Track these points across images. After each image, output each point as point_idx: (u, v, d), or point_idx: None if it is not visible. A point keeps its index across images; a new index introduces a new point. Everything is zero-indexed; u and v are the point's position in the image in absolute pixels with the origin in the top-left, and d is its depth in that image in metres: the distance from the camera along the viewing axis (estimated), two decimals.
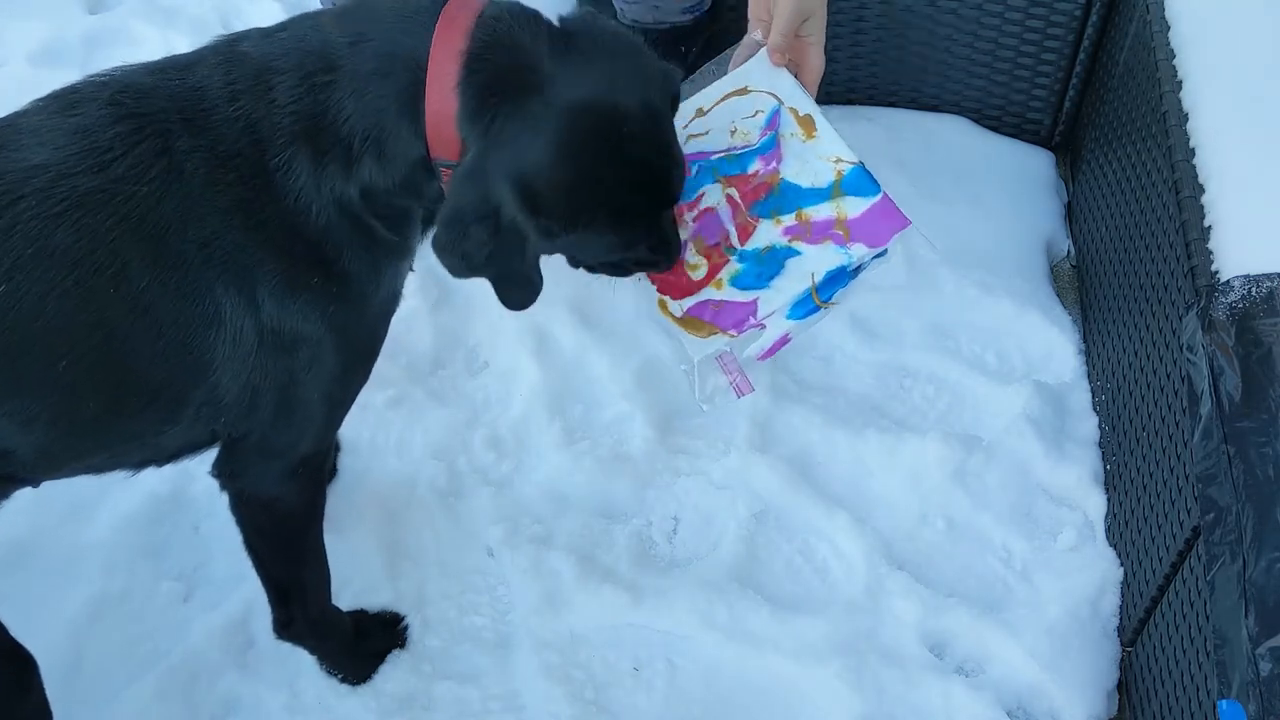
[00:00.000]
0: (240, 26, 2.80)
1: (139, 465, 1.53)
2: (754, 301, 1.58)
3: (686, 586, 1.90)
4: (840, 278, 1.57)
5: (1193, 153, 1.67)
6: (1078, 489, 2.02)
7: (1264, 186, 1.60)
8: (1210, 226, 1.59)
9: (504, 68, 1.33)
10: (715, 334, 1.60)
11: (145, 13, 2.80)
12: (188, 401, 1.41)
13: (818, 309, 1.58)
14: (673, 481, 2.04)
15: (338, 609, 1.79)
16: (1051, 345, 2.22)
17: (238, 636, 1.85)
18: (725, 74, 1.68)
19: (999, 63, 2.42)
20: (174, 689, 1.80)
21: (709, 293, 1.61)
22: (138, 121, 1.31)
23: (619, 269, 1.56)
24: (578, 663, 1.84)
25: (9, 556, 1.90)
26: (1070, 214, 2.44)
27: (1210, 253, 1.57)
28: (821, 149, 1.59)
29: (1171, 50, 1.82)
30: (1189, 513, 1.57)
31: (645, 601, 1.88)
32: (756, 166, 1.61)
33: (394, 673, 1.83)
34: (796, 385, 2.16)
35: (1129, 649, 1.83)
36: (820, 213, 1.57)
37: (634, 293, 2.22)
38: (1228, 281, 1.49)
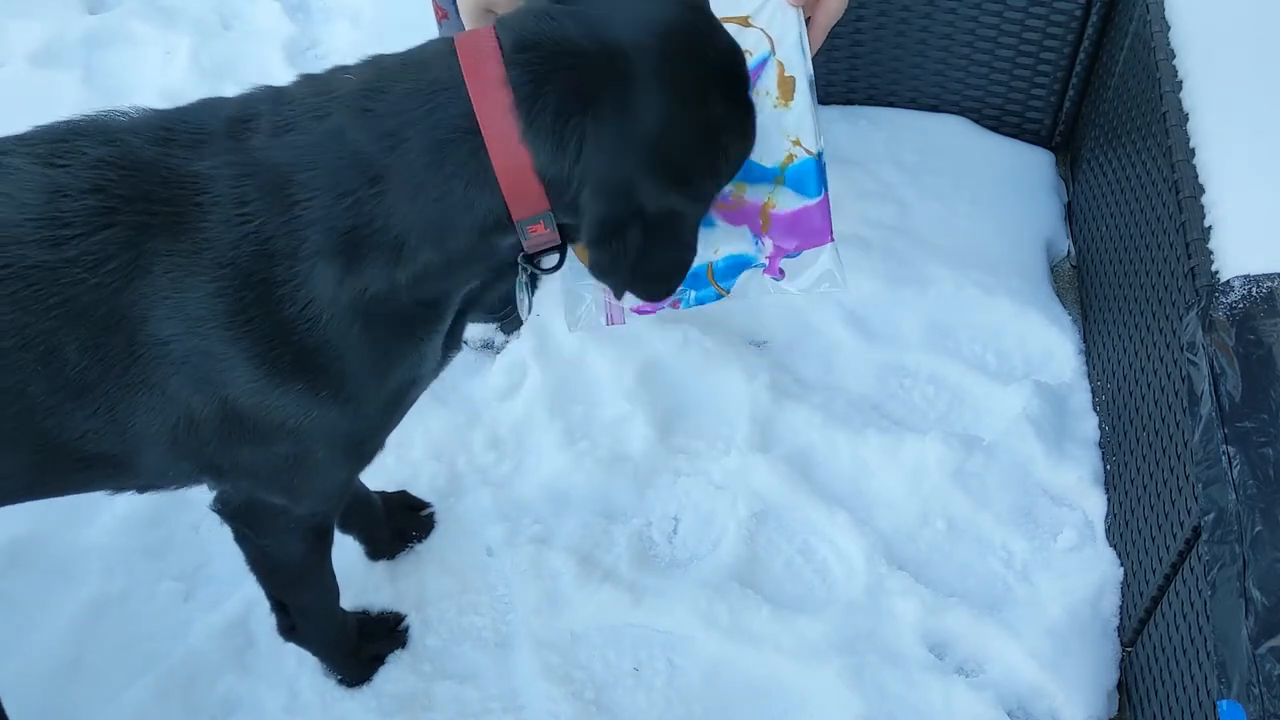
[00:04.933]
0: (240, 27, 2.84)
1: (114, 491, 1.50)
2: None
3: (686, 586, 1.90)
4: (741, 267, 1.47)
5: (1193, 153, 1.67)
6: (1078, 489, 2.02)
7: (1264, 186, 1.59)
8: (1210, 226, 1.59)
9: (559, 86, 1.21)
10: None
11: (145, 13, 2.80)
12: (135, 470, 1.38)
13: (715, 294, 1.48)
14: (673, 481, 2.05)
15: (343, 612, 1.79)
16: (1051, 345, 2.22)
17: (238, 636, 1.85)
18: None
19: (999, 63, 2.42)
20: (174, 689, 1.80)
21: None
22: (114, 202, 1.22)
23: None
24: (578, 663, 1.84)
25: (9, 556, 1.90)
26: (1070, 214, 2.44)
27: (1210, 253, 1.56)
28: (788, 123, 1.46)
29: (1171, 50, 1.82)
30: (1189, 513, 1.57)
31: (645, 601, 1.88)
32: None
33: (394, 673, 1.83)
34: (796, 385, 2.16)
35: (1129, 649, 1.83)
36: (754, 195, 1.46)
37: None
38: (1228, 282, 1.49)
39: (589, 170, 1.22)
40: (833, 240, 1.45)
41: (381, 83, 1.25)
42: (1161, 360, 1.75)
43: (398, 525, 1.95)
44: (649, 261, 1.29)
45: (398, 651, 1.85)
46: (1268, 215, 1.56)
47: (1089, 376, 2.16)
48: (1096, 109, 2.30)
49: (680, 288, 1.45)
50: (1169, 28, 1.85)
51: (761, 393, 2.11)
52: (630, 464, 2.05)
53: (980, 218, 2.39)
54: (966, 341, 2.23)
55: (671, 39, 1.25)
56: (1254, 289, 1.47)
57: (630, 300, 1.47)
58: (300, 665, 1.82)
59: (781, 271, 1.49)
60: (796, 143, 1.45)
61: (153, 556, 1.93)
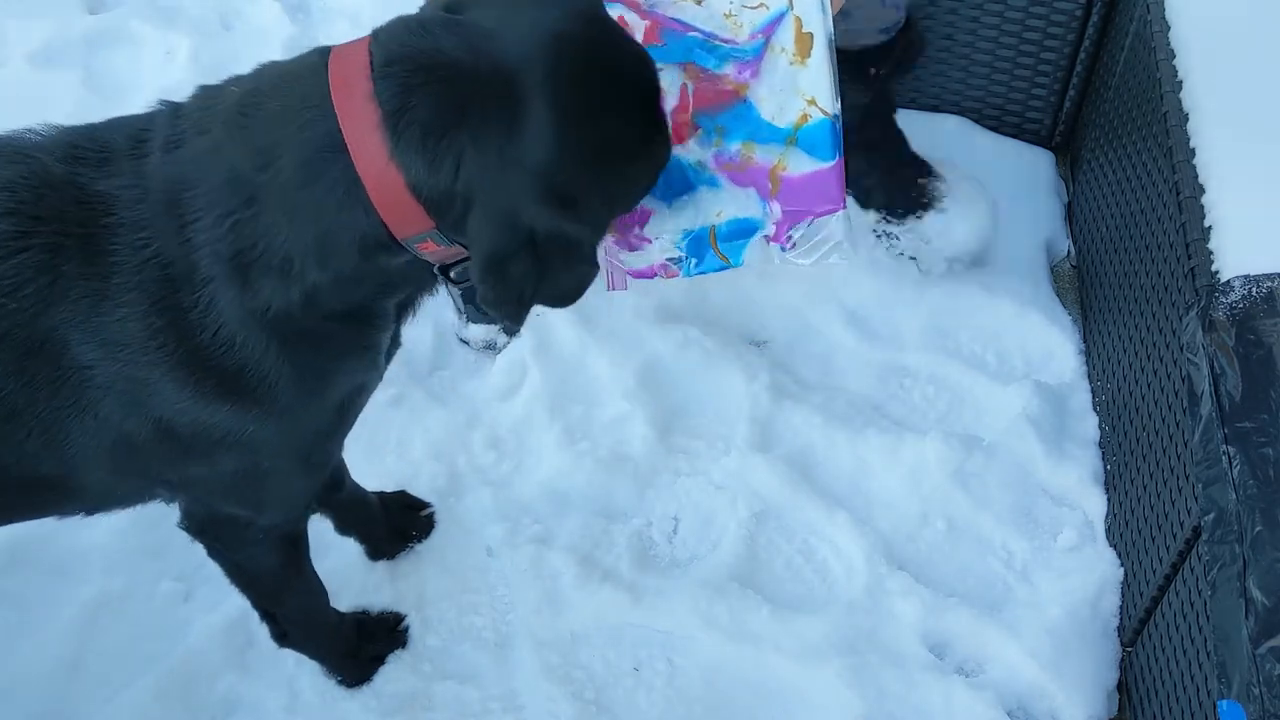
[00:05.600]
0: (240, 27, 2.84)
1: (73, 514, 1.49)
2: (646, 213, 1.41)
3: (686, 586, 1.90)
4: (746, 233, 1.42)
5: (1193, 153, 1.67)
6: (1078, 489, 2.02)
7: (1264, 186, 1.59)
8: (1210, 227, 1.59)
9: (427, 101, 1.15)
10: None
11: (145, 13, 2.80)
12: (80, 492, 1.38)
13: (719, 263, 1.42)
14: (673, 481, 2.05)
15: (336, 613, 1.79)
16: (1051, 345, 2.22)
17: (238, 636, 1.85)
18: None
19: (999, 63, 2.42)
20: (174, 689, 1.80)
21: None
22: (28, 224, 1.20)
23: None
24: (578, 663, 1.84)
25: (9, 556, 1.90)
26: (1070, 214, 2.44)
27: (1210, 253, 1.56)
28: (803, 82, 1.39)
29: (1171, 50, 1.82)
30: (1189, 513, 1.57)
31: (645, 601, 1.88)
32: (729, 70, 1.41)
33: (394, 673, 1.83)
34: (796, 385, 2.16)
35: (1129, 649, 1.83)
36: (764, 155, 1.40)
37: (634, 294, 2.23)
38: (1228, 282, 1.49)
39: (472, 190, 1.16)
40: (844, 208, 1.39)
41: (257, 98, 1.22)
42: (1161, 360, 1.75)
43: (397, 525, 1.95)
44: (545, 286, 1.22)
45: (398, 651, 1.85)
46: (1268, 215, 1.56)
47: (1089, 376, 2.16)
48: (1096, 109, 2.30)
49: (679, 255, 1.40)
50: (1169, 28, 1.85)
51: (761, 393, 2.11)
52: (630, 464, 2.04)
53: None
54: (966, 341, 2.23)
55: (562, 52, 1.17)
56: (1254, 289, 1.47)
57: (633, 262, 1.42)
58: (300, 665, 1.82)
59: (790, 240, 1.43)
60: (812, 102, 1.38)
61: (153, 556, 1.93)
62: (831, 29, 1.40)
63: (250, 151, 1.19)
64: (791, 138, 1.39)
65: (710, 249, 1.41)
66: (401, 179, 1.16)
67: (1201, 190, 1.63)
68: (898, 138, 2.30)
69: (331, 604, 1.80)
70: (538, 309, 1.28)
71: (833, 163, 1.38)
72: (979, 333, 2.25)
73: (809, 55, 1.39)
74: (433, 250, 1.23)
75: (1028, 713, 1.81)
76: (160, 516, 1.96)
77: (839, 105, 1.39)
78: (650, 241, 1.41)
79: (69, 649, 1.83)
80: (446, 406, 2.11)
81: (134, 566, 1.92)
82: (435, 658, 1.85)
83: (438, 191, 1.16)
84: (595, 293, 2.18)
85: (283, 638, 1.74)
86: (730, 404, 2.12)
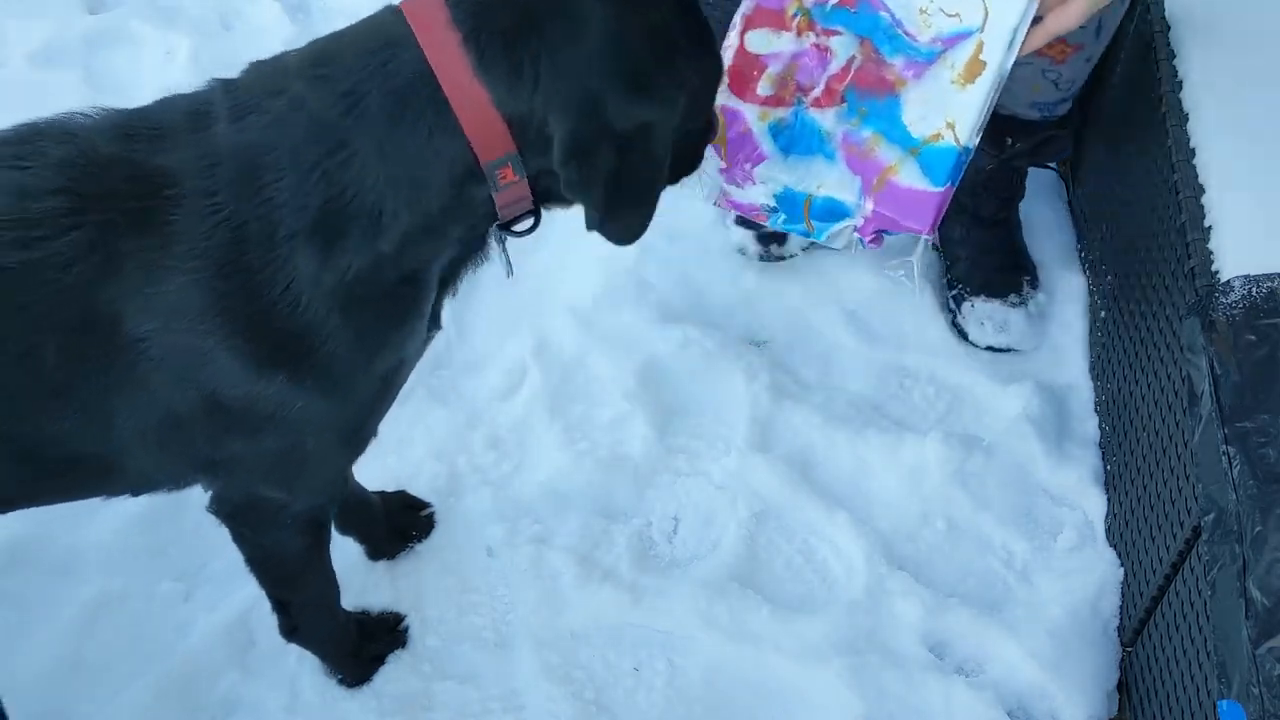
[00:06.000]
0: (240, 27, 2.83)
1: (106, 496, 1.49)
2: (762, 155, 1.46)
3: (686, 586, 1.90)
4: (836, 216, 1.45)
5: (1193, 153, 1.67)
6: (1078, 489, 2.02)
7: (1264, 186, 1.59)
8: (1210, 226, 1.59)
9: (504, 16, 1.21)
10: (719, 145, 1.49)
11: (145, 13, 2.80)
12: (124, 473, 1.38)
13: (804, 229, 1.47)
14: (673, 481, 2.04)
15: (344, 611, 1.79)
16: (1053, 345, 2.22)
17: (238, 636, 1.85)
18: None
19: None
20: (174, 689, 1.80)
21: (751, 114, 1.49)
22: (79, 202, 1.21)
23: (701, 133, 1.46)
24: (578, 663, 1.84)
25: (9, 556, 1.90)
26: (1070, 214, 2.44)
27: (1210, 253, 1.56)
28: (955, 104, 1.41)
29: (1171, 50, 1.82)
30: (1189, 513, 1.57)
31: (645, 601, 1.88)
32: (897, 62, 1.44)
33: (394, 673, 1.83)
34: (796, 385, 2.16)
35: (1129, 649, 1.83)
36: (886, 154, 1.42)
37: (635, 294, 2.23)
38: (1228, 282, 1.49)
39: (551, 95, 1.22)
40: (929, 235, 1.42)
41: (330, 53, 1.25)
42: (1161, 360, 1.75)
43: (398, 525, 1.95)
44: (623, 179, 1.28)
45: (398, 651, 1.85)
46: (1268, 215, 1.56)
47: (1090, 376, 2.16)
48: (1097, 109, 2.30)
49: (773, 206, 1.45)
50: (1169, 28, 1.85)
51: (761, 393, 2.11)
52: (630, 464, 2.04)
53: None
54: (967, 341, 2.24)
55: None
56: (1254, 289, 1.47)
57: (735, 195, 1.48)
58: (301, 665, 1.82)
59: (877, 241, 1.46)
60: (951, 126, 1.41)
61: (153, 556, 1.93)
62: (1007, 70, 1.41)
63: (335, 98, 1.22)
64: (916, 149, 1.42)
65: (802, 214, 1.46)
66: (487, 95, 1.21)
67: (1201, 190, 1.63)
68: (1009, 223, 2.28)
69: (337, 609, 1.81)
70: (595, 235, 1.34)
71: (941, 189, 1.41)
72: None
73: (972, 83, 1.41)
74: (509, 181, 1.27)
75: (1028, 713, 1.81)
76: (160, 516, 1.97)
77: (975, 142, 1.41)
78: (754, 183, 1.47)
79: (69, 649, 1.83)
80: (447, 406, 2.11)
81: (134, 566, 1.91)
82: (435, 658, 1.85)
83: (521, 103, 1.22)
84: (596, 292, 2.21)
85: (292, 631, 1.73)
86: (730, 404, 2.12)
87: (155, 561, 1.93)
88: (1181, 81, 1.76)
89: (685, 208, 2.32)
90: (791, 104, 1.48)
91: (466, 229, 1.33)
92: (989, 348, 2.20)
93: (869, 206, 1.43)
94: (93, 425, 1.29)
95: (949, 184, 1.41)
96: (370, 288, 1.28)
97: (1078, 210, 2.39)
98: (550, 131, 1.24)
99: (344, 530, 1.90)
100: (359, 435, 1.47)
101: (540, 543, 1.95)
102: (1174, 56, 1.81)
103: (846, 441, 2.07)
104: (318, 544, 1.63)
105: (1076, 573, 1.91)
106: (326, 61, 1.25)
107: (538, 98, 1.22)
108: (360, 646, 1.82)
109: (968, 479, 2.02)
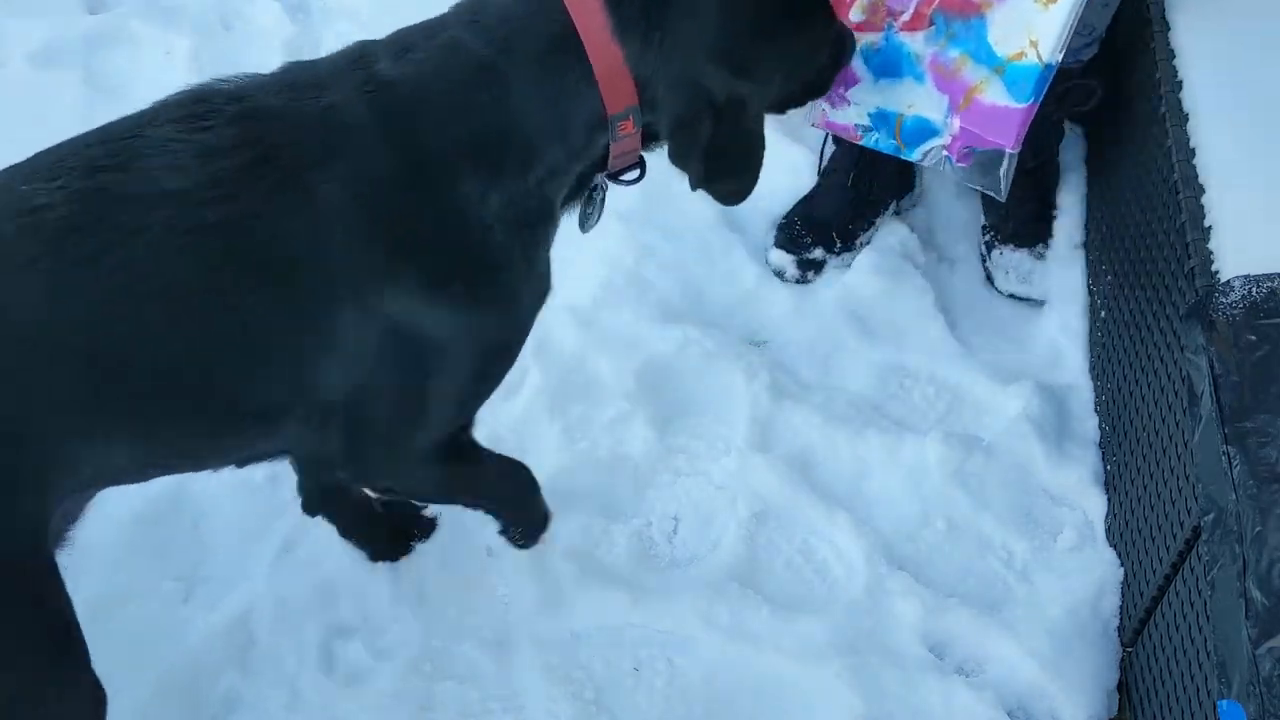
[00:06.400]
0: (241, 27, 2.83)
1: (233, 465, 1.53)
2: (855, 78, 1.54)
3: (686, 586, 1.90)
4: (925, 135, 1.53)
5: (1193, 153, 1.67)
6: (1078, 489, 2.02)
7: (1264, 186, 1.60)
8: (1210, 226, 1.59)
9: None
10: None
11: (145, 13, 2.80)
12: (290, 416, 1.40)
13: (895, 146, 1.55)
14: (673, 481, 2.05)
15: (512, 463, 1.80)
16: (1053, 345, 2.22)
17: (238, 636, 1.85)
18: None
19: None
20: (174, 689, 1.79)
21: None
22: (265, 150, 1.28)
23: (817, 85, 1.56)
24: (578, 663, 1.84)
25: None
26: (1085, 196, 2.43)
27: (1210, 253, 1.57)
28: (1038, 24, 1.48)
29: (1171, 50, 1.82)
30: (1189, 513, 1.57)
31: (645, 601, 1.88)
32: None
33: (394, 672, 1.82)
34: (796, 385, 2.16)
35: (1129, 649, 1.83)
36: (972, 73, 1.50)
37: (635, 294, 2.23)
38: (1228, 281, 1.49)
39: (669, 63, 1.36)
40: (1013, 150, 1.48)
41: (480, 7, 1.37)
42: (1161, 360, 1.75)
43: (399, 526, 1.95)
44: (720, 152, 1.41)
45: (398, 651, 1.84)
46: (1268, 215, 1.56)
47: (1090, 376, 2.16)
48: (1097, 109, 2.30)
49: (868, 125, 1.55)
50: (1169, 28, 1.85)
51: (761, 393, 2.11)
52: (630, 464, 2.04)
53: (981, 218, 2.39)
54: (966, 341, 2.23)
55: None
56: (1254, 289, 1.47)
57: (832, 115, 1.57)
58: (301, 664, 1.82)
59: (966, 158, 1.52)
60: (1034, 44, 1.46)
61: (153, 556, 1.93)
62: None
63: (490, 41, 1.34)
64: (1000, 68, 1.49)
65: (894, 133, 1.54)
66: (621, 54, 1.35)
67: (1201, 190, 1.63)
68: (1043, 173, 2.32)
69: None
70: (702, 193, 1.48)
71: (1024, 105, 1.48)
72: (979, 332, 2.25)
73: (1054, 3, 1.48)
74: (626, 132, 1.40)
75: (1028, 713, 1.81)
76: (160, 516, 1.97)
77: (1058, 58, 1.47)
78: (849, 104, 1.55)
79: None
80: None
81: (134, 566, 1.91)
82: (435, 658, 1.85)
83: (647, 67, 1.36)
84: (596, 292, 2.21)
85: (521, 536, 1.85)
86: (730, 404, 2.12)
87: (155, 561, 1.93)
88: (1181, 81, 1.76)
89: (685, 208, 2.33)
90: (882, 28, 1.54)
91: (584, 173, 1.45)
92: (1011, 295, 2.28)
93: (956, 124, 1.50)
94: (286, 370, 1.34)
95: (1033, 100, 1.47)
96: (523, 213, 1.39)
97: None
98: (661, 96, 1.38)
99: (346, 535, 1.90)
100: (508, 358, 1.52)
101: (540, 543, 1.94)
102: (1174, 56, 1.81)
103: (846, 441, 2.07)
104: (464, 466, 1.65)
105: (1076, 573, 1.91)
106: (481, 11, 1.37)
107: (659, 64, 1.36)
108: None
109: (968, 479, 2.02)
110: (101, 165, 1.25)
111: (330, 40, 2.79)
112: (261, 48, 2.75)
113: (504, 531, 1.86)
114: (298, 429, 1.41)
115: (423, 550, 1.96)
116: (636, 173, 1.50)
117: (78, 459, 1.27)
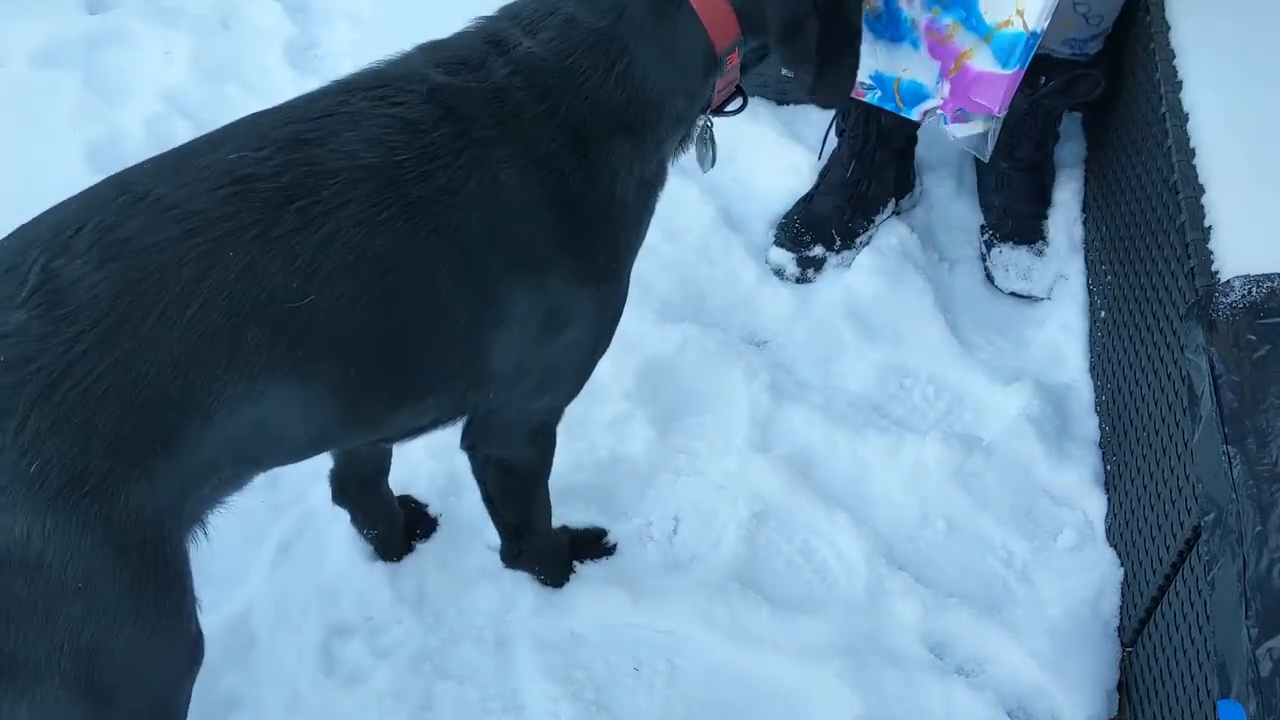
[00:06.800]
0: (241, 27, 2.83)
1: (375, 442, 1.57)
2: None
3: (687, 586, 1.90)
4: (918, 98, 1.58)
5: (1193, 153, 1.67)
6: (1078, 489, 2.02)
7: (1264, 186, 1.60)
8: (1210, 226, 1.59)
9: None
10: None
11: (145, 13, 2.80)
12: (459, 390, 1.44)
13: (895, 105, 1.60)
14: (673, 481, 2.04)
15: (558, 530, 1.88)
16: (1053, 345, 2.22)
17: (238, 636, 1.85)
18: None
19: None
20: None
21: None
22: (462, 125, 1.31)
23: None
24: (578, 663, 1.84)
25: None
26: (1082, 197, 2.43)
27: (1210, 253, 1.57)
28: None
29: (1171, 50, 1.82)
30: (1189, 513, 1.58)
31: (645, 601, 1.88)
32: None
33: (394, 672, 1.82)
34: (796, 385, 2.16)
35: (1129, 649, 1.83)
36: (963, 40, 1.54)
37: (635, 293, 2.23)
38: (1228, 281, 1.49)
39: None
40: (1000, 114, 1.53)
41: None
42: (1161, 360, 1.75)
43: (403, 525, 1.95)
44: (827, 43, 1.44)
45: (397, 651, 1.84)
46: (1268, 215, 1.56)
47: (1090, 376, 2.16)
48: (1097, 109, 2.30)
49: (869, 84, 1.60)
50: (1169, 28, 1.85)
51: (761, 393, 2.11)
52: (630, 464, 2.04)
53: (981, 218, 2.40)
54: (966, 341, 2.24)
55: None
56: (1254, 289, 1.47)
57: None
58: (300, 664, 1.82)
59: (959, 119, 1.58)
60: (1020, 13, 1.50)
61: None
62: None
63: (602, 10, 1.37)
64: (989, 35, 1.52)
65: (893, 93, 1.59)
66: None
67: (1201, 190, 1.63)
68: (1042, 169, 2.35)
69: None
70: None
71: (1010, 71, 1.51)
72: (979, 332, 2.25)
73: None
74: (733, 65, 1.44)
75: (1028, 713, 1.81)
76: None
77: (1043, 27, 1.50)
78: None
79: None
80: None
81: None
82: (435, 658, 1.85)
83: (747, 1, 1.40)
84: None
85: (516, 557, 1.85)
86: (730, 404, 2.12)
87: None
88: (1182, 81, 1.76)
89: (685, 207, 2.33)
90: None
91: (696, 116, 1.49)
92: (1013, 293, 2.29)
93: (946, 89, 1.54)
94: (467, 342, 1.37)
95: (1018, 67, 1.51)
96: (649, 178, 1.45)
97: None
98: (769, 15, 1.40)
99: (363, 529, 1.90)
100: (608, 342, 1.56)
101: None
102: (1174, 56, 1.81)
103: (846, 441, 2.07)
104: (551, 458, 1.71)
105: (1076, 573, 1.91)
106: None
107: None
108: (570, 558, 1.91)
109: (968, 479, 2.02)
110: (305, 139, 1.27)
111: (330, 40, 2.80)
112: (261, 48, 2.75)
113: (510, 563, 1.89)
114: (454, 400, 1.45)
115: (423, 550, 1.96)
116: (740, 101, 1.53)
117: (249, 428, 1.26)
